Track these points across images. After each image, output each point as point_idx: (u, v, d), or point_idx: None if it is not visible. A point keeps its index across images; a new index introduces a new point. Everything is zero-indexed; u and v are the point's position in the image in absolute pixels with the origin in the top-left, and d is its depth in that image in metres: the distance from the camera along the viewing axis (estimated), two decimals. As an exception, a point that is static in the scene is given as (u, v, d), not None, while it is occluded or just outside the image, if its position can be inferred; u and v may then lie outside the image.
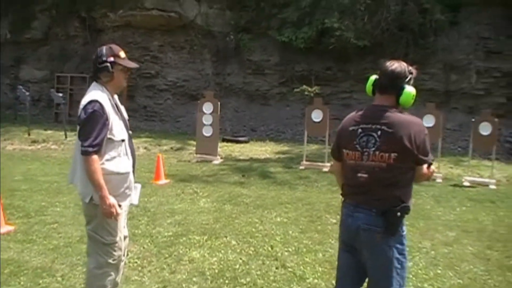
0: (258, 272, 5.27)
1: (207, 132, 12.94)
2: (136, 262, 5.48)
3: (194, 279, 5.04)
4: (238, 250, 5.97)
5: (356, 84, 17.50)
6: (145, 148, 14.74)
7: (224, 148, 14.69)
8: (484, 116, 11.52)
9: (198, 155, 13.06)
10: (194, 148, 13.44)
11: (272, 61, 19.57)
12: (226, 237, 6.50)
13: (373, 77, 3.38)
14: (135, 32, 20.74)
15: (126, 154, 3.88)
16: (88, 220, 3.85)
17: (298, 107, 18.54)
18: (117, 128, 3.78)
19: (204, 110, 12.98)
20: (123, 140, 3.83)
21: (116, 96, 3.96)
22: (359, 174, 3.18)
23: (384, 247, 3.14)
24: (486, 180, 11.32)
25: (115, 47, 3.86)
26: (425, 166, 3.25)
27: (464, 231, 7.27)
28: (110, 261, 3.84)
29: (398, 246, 3.18)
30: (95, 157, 3.56)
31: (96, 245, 3.83)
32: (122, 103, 4.04)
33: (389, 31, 17.33)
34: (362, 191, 3.19)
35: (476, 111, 15.61)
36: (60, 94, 17.59)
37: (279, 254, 5.89)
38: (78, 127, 3.68)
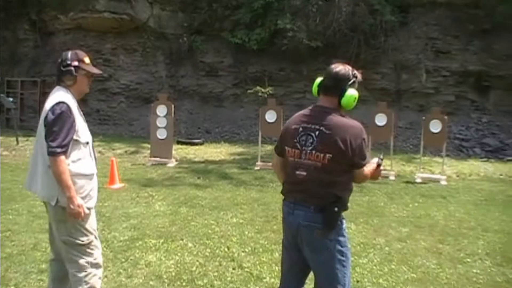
0: (215, 274, 5.29)
1: (161, 135, 12.86)
2: (91, 268, 5.43)
3: (151, 282, 5.02)
4: (195, 252, 5.98)
5: (309, 85, 17.43)
6: (99, 152, 14.52)
7: (179, 151, 14.64)
8: (434, 114, 11.80)
9: (153, 158, 12.97)
10: (149, 151, 13.35)
11: (226, 62, 19.62)
12: (182, 239, 6.49)
13: (319, 79, 3.48)
14: (86, 35, 20.48)
15: (91, 156, 3.88)
16: (58, 225, 3.78)
17: (252, 108, 18.62)
18: (83, 130, 3.78)
19: (158, 112, 12.90)
20: (87, 142, 3.83)
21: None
22: (298, 172, 3.28)
23: (325, 241, 3.23)
24: (437, 176, 11.61)
25: (80, 52, 3.87)
26: (365, 168, 3.34)
27: (416, 227, 7.46)
28: (91, 260, 3.81)
29: (340, 239, 3.28)
30: (63, 157, 3.54)
31: (73, 248, 3.77)
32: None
33: (341, 32, 17.56)
34: (300, 189, 3.28)
35: (427, 109, 15.99)
36: (11, 99, 17.25)
37: (236, 255, 5.92)
38: (44, 128, 3.63)
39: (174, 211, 8.03)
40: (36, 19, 20.83)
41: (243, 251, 6.07)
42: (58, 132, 3.55)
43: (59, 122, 3.57)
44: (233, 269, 5.46)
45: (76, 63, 3.77)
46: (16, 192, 9.03)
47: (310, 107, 3.44)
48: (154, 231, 6.86)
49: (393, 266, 5.68)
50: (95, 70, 3.97)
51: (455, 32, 17.74)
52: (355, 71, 3.40)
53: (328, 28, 17.45)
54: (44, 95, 19.25)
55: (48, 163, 3.61)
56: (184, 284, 4.99)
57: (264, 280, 5.12)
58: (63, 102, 3.62)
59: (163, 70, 20.30)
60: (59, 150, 3.52)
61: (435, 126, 11.47)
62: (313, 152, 3.22)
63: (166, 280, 5.07)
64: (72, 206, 3.58)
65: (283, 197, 3.49)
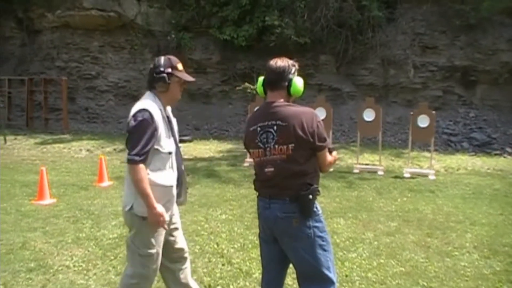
0: (205, 270, 5.31)
1: (150, 132, 12.80)
2: (81, 266, 5.43)
3: (141, 279, 5.02)
4: (184, 249, 5.99)
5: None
6: (88, 150, 14.52)
7: (168, 148, 14.59)
8: (422, 109, 11.83)
9: (142, 156, 12.92)
10: (138, 149, 13.28)
11: (214, 59, 19.62)
12: (171, 236, 6.49)
13: (261, 78, 3.60)
14: (74, 33, 20.41)
15: (172, 167, 3.77)
16: (129, 229, 3.79)
17: (241, 105, 18.65)
18: (165, 139, 3.70)
19: (146, 110, 12.84)
20: (170, 153, 3.73)
21: (169, 108, 3.92)
22: (266, 169, 3.35)
23: (304, 229, 3.32)
24: (426, 171, 11.67)
25: (173, 58, 3.82)
26: (327, 153, 3.44)
27: (405, 221, 7.51)
28: (145, 272, 3.75)
29: (318, 225, 3.37)
30: (142, 166, 3.48)
31: (132, 255, 3.74)
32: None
33: (329, 28, 17.64)
34: (272, 184, 3.36)
35: (415, 105, 16.06)
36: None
37: (225, 251, 5.94)
38: (127, 135, 3.60)
39: (163, 208, 8.01)
40: (22, 17, 20.74)
41: (232, 247, 6.09)
42: (137, 140, 3.49)
43: (139, 129, 3.51)
44: (223, 265, 5.48)
45: (169, 70, 3.72)
46: (4, 191, 9.00)
47: (260, 106, 3.54)
48: (143, 228, 6.85)
49: (381, 260, 5.72)
50: (189, 78, 3.89)
51: (441, 27, 17.86)
52: (292, 61, 3.53)
53: (315, 24, 17.53)
54: (32, 94, 19.24)
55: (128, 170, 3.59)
56: (173, 280, 4.99)
57: (254, 275, 5.13)
58: (145, 110, 3.56)
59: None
60: (137, 158, 3.46)
61: (423, 121, 11.51)
62: (276, 146, 3.30)
63: (156, 277, 5.06)
64: (152, 214, 3.54)
65: (257, 194, 3.56)
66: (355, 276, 5.20)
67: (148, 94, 3.77)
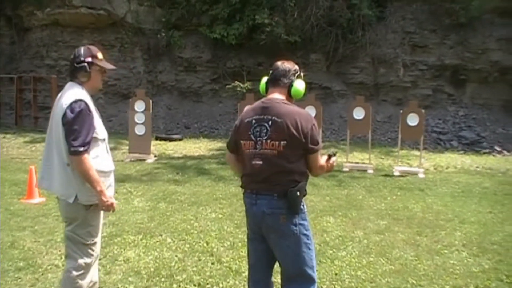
0: (194, 269, 5.29)
1: (139, 130, 12.82)
2: (70, 265, 5.40)
3: (130, 278, 5.01)
4: (174, 248, 5.98)
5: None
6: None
7: (158, 147, 14.61)
8: (411, 107, 11.87)
9: (131, 154, 12.94)
10: (127, 148, 13.30)
11: (204, 57, 19.59)
12: (161, 235, 6.48)
13: (265, 78, 3.69)
14: (63, 31, 20.30)
15: (108, 152, 3.86)
16: (69, 221, 3.77)
17: (231, 103, 18.64)
18: (100, 126, 3.77)
19: (136, 108, 12.85)
20: (104, 139, 3.81)
21: None
22: (254, 162, 3.38)
23: (290, 226, 3.34)
24: (415, 169, 11.71)
25: (93, 48, 3.85)
26: (320, 156, 3.47)
27: (395, 219, 7.54)
28: (89, 261, 3.80)
29: (304, 222, 3.41)
30: (86, 155, 3.54)
31: (76, 246, 3.76)
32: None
33: (319, 26, 17.65)
34: (259, 179, 3.37)
35: (405, 103, 16.13)
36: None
37: (215, 250, 5.93)
38: (63, 127, 3.58)
39: (153, 207, 8.02)
40: (11, 15, 20.60)
41: (222, 246, 6.08)
42: (79, 131, 3.52)
43: (79, 120, 3.55)
44: (212, 263, 5.47)
45: (89, 59, 3.74)
46: (-7, 189, 8.95)
47: (260, 101, 3.56)
48: (132, 227, 6.84)
49: (371, 259, 5.73)
50: (110, 66, 3.93)
51: (431, 26, 17.93)
52: (297, 66, 3.64)
53: (306, 22, 17.53)
54: (21, 92, 19.13)
55: (66, 161, 3.60)
56: (163, 279, 4.98)
57: (243, 274, 5.11)
58: (81, 100, 3.59)
59: (141, 66, 20.22)
60: (81, 149, 3.51)
61: (412, 120, 11.56)
62: (268, 141, 3.33)
63: (145, 276, 5.06)
64: (104, 199, 3.62)
65: (243, 190, 3.58)
66: (345, 274, 5.20)
67: (71, 84, 3.78)
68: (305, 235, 3.39)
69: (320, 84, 18.64)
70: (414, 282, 5.04)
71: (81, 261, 3.76)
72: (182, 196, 8.78)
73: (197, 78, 19.77)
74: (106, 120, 19.23)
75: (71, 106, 3.57)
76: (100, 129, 3.75)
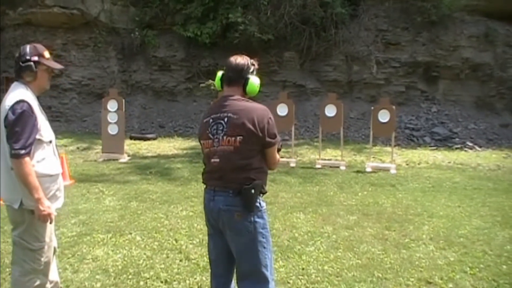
0: (162, 266, 5.29)
1: (112, 130, 12.77)
2: (37, 264, 5.37)
3: (97, 276, 4.99)
4: (143, 246, 5.97)
5: (261, 78, 17.73)
6: (50, 149, 14.34)
7: (132, 146, 14.57)
8: (383, 104, 11.97)
9: (105, 154, 12.87)
10: (101, 148, 13.23)
11: (178, 56, 19.59)
12: (131, 233, 6.47)
13: (220, 73, 3.67)
14: (36, 31, 20.11)
15: (55, 155, 3.73)
16: (15, 226, 3.67)
17: (205, 102, 18.66)
18: (45, 128, 3.63)
19: (108, 108, 12.80)
20: (50, 141, 3.69)
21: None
22: (212, 160, 3.39)
23: (245, 223, 3.34)
24: (387, 165, 11.83)
25: (39, 46, 3.72)
26: (276, 150, 3.50)
27: (364, 215, 7.61)
28: (36, 267, 3.67)
29: (260, 220, 3.39)
30: (27, 159, 3.39)
31: (22, 252, 3.65)
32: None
33: (292, 25, 17.73)
34: (217, 176, 3.39)
35: (378, 100, 16.23)
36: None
37: (184, 247, 5.93)
38: (5, 129, 3.45)
39: (124, 206, 7.99)
40: (-17, 15, 20.38)
41: (191, 243, 6.09)
42: (20, 133, 3.38)
43: (21, 122, 3.41)
44: (180, 261, 5.47)
45: (36, 58, 3.62)
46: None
47: (217, 100, 3.60)
48: (102, 226, 6.82)
49: (339, 253, 5.77)
50: (57, 65, 3.83)
51: (404, 24, 18.14)
52: (252, 60, 3.61)
53: (279, 21, 17.60)
54: (-7, 92, 18.85)
55: (11, 164, 3.46)
56: (130, 277, 4.98)
57: (211, 270, 5.15)
58: (23, 101, 3.46)
59: (115, 65, 20.13)
60: (22, 151, 3.36)
61: (384, 116, 11.66)
62: (225, 137, 3.34)
63: (112, 274, 5.05)
64: (41, 208, 3.45)
65: (204, 186, 3.59)
66: (312, 269, 5.24)
67: (16, 84, 3.68)
68: (260, 233, 3.38)
69: (294, 82, 18.74)
70: (380, 275, 5.09)
71: (27, 267, 3.65)
72: (154, 195, 8.76)
73: (171, 77, 19.76)
74: (80, 120, 19.18)
75: (13, 108, 3.44)
76: (45, 131, 3.64)
